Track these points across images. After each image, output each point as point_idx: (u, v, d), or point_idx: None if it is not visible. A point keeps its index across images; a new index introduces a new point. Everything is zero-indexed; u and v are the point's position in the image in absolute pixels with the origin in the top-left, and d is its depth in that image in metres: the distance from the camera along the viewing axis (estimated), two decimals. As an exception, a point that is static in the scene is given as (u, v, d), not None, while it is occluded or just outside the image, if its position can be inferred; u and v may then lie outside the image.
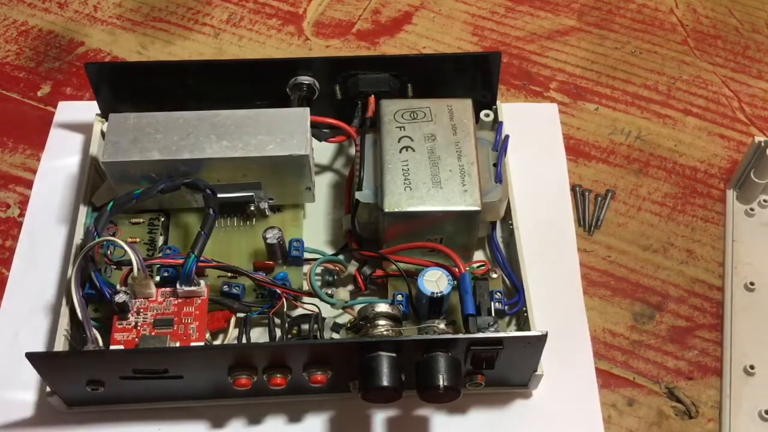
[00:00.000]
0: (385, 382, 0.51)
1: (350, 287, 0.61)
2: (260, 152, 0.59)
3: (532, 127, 0.72)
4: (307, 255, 0.61)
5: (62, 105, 0.73)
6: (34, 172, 0.69)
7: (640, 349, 0.62)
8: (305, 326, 0.57)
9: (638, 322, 0.63)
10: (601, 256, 0.66)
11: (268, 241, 0.58)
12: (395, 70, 0.65)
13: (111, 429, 0.57)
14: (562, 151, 0.71)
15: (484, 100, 0.67)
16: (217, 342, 0.59)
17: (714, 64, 0.78)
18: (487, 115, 0.66)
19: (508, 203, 0.62)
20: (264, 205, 0.62)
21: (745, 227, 0.67)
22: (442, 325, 0.55)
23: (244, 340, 0.58)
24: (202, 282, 0.57)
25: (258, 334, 0.60)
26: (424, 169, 0.59)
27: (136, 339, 0.55)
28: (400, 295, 0.58)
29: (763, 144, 0.63)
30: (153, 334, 0.56)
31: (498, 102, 0.67)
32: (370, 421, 0.57)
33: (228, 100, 0.63)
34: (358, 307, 0.58)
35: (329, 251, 0.63)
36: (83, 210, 0.63)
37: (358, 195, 0.60)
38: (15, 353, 0.58)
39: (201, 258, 0.56)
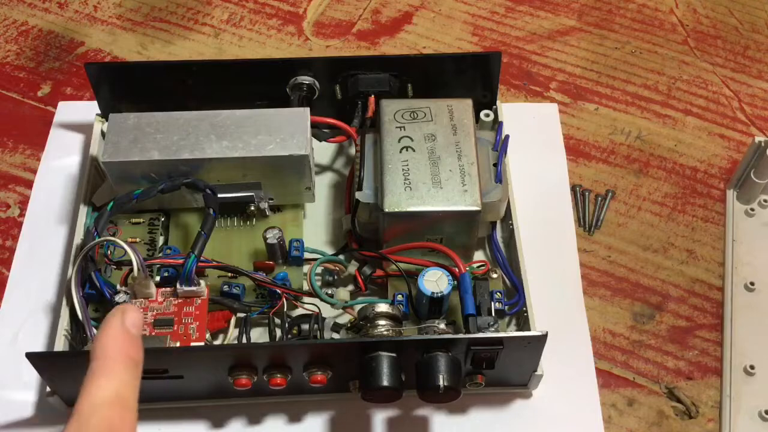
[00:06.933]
0: (385, 382, 0.51)
1: (350, 287, 0.61)
2: (260, 152, 0.59)
3: (532, 127, 0.72)
4: (307, 255, 0.61)
5: (62, 105, 0.73)
6: (34, 172, 0.69)
7: (640, 349, 0.62)
8: (305, 326, 0.57)
9: (638, 322, 0.63)
10: (601, 256, 0.66)
11: (268, 241, 0.58)
12: (395, 70, 0.65)
13: (111, 429, 0.57)
14: (562, 151, 0.71)
15: (484, 100, 0.67)
16: (217, 342, 0.59)
17: (714, 64, 0.78)
18: (487, 115, 0.66)
19: (508, 203, 0.62)
20: (264, 205, 0.62)
21: (745, 227, 0.67)
22: (442, 325, 0.55)
23: (244, 340, 0.58)
24: (202, 282, 0.57)
25: (258, 334, 0.60)
26: (424, 169, 0.59)
27: (136, 339, 0.55)
28: (400, 295, 0.58)
29: (763, 144, 0.63)
30: (153, 334, 0.56)
31: (498, 102, 0.67)
32: (370, 421, 0.57)
33: (228, 100, 0.63)
34: (358, 307, 0.58)
35: (329, 251, 0.63)
36: (83, 210, 0.63)
37: (358, 195, 0.60)
38: (15, 353, 0.58)
39: (201, 258, 0.56)
